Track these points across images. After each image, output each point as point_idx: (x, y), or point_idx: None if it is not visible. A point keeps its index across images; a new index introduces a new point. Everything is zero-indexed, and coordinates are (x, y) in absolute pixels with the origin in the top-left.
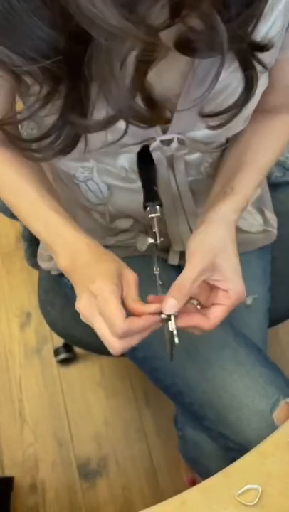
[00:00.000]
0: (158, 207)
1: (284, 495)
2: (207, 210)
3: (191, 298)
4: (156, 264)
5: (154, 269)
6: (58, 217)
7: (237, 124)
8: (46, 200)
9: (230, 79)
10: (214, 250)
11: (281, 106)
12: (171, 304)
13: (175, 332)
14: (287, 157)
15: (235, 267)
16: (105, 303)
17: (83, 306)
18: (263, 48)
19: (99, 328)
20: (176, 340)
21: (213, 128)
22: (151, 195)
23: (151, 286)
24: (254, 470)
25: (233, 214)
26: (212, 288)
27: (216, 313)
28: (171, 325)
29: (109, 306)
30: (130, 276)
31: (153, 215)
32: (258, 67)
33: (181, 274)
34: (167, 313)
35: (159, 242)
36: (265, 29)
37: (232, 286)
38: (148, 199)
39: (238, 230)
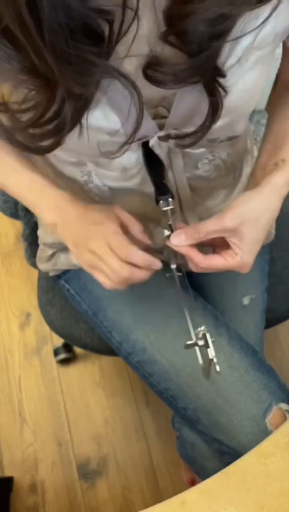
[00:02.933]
0: (170, 199)
1: (284, 495)
2: (255, 179)
3: (207, 244)
4: (173, 257)
5: (170, 262)
6: (41, 177)
7: (239, 124)
8: (28, 166)
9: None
10: (245, 218)
11: None
12: (180, 238)
13: (215, 360)
14: None
15: (255, 241)
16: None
17: (86, 263)
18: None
19: (102, 276)
20: (218, 368)
21: (182, 147)
22: (161, 189)
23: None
24: (254, 470)
25: (285, 186)
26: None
27: (214, 259)
28: (211, 352)
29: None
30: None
31: (166, 208)
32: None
33: (207, 221)
34: (174, 243)
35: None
36: (231, 61)
37: (241, 254)
38: (159, 193)
39: None
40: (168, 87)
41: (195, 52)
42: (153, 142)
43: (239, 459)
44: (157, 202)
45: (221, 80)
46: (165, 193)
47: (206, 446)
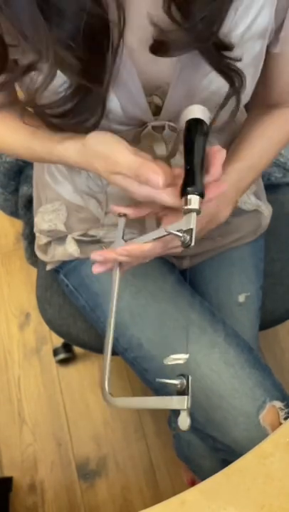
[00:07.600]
0: (198, 197)
1: (284, 495)
2: None
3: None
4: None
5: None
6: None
7: (224, 116)
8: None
9: (218, 81)
10: None
11: (283, 102)
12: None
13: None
14: (288, 158)
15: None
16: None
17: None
18: (230, 46)
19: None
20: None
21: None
22: (193, 179)
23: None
24: (254, 470)
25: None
26: None
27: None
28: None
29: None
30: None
31: (189, 206)
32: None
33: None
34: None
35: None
36: (242, 28)
37: None
38: (189, 183)
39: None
40: (168, 55)
41: (192, 18)
42: (146, 132)
43: (239, 459)
44: (183, 194)
45: (227, 53)
46: (194, 185)
47: (202, 445)
